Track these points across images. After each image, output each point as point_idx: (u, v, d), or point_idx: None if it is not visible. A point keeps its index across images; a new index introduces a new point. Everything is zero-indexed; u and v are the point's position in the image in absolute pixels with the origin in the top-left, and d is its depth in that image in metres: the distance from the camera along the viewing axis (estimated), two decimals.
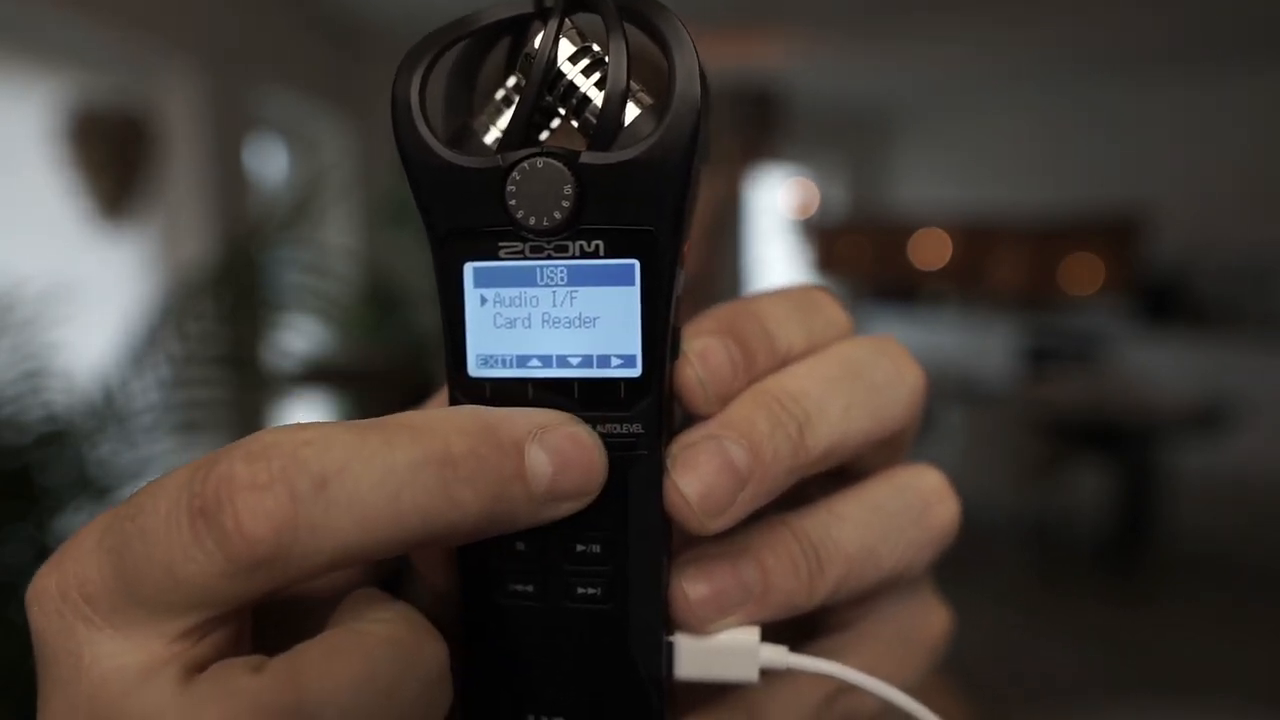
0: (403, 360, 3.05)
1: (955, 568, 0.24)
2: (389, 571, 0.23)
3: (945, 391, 3.94)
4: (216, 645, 0.18)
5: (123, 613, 0.17)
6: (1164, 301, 4.92)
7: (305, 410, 3.01)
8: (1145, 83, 4.91)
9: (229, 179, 2.65)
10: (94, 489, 1.33)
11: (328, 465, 0.16)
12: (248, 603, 0.17)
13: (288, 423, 0.18)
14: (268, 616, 0.20)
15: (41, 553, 1.23)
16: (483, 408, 0.19)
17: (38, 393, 1.34)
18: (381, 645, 0.17)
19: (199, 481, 0.16)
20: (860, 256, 5.65)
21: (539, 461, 0.18)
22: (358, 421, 0.18)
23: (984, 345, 5.39)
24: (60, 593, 0.17)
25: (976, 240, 5.22)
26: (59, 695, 0.17)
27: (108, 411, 1.40)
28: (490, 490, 0.18)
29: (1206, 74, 4.70)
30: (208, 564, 0.16)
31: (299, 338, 2.02)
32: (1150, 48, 4.25)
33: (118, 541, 0.17)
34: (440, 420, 0.18)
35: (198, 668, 0.17)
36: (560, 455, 0.18)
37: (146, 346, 1.47)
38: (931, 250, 5.39)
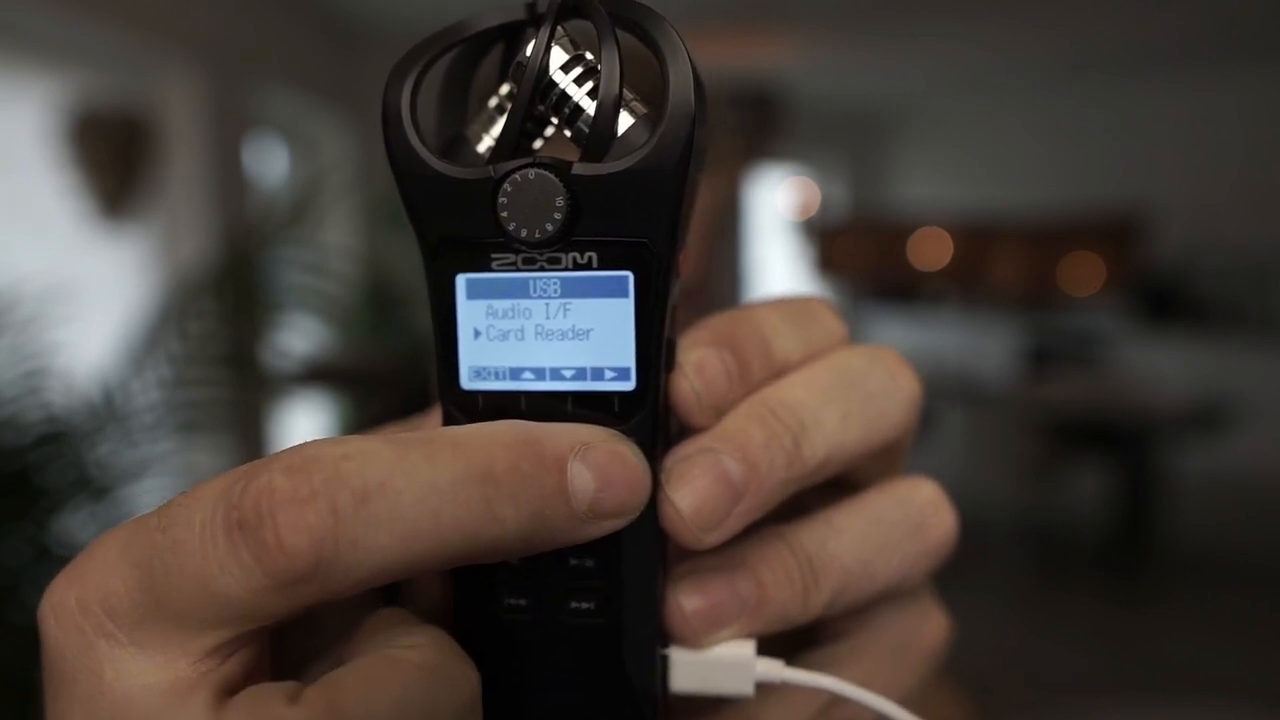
0: (403, 360, 3.05)
1: (955, 568, 0.24)
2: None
3: (945, 391, 3.92)
4: (244, 664, 0.17)
5: (148, 628, 0.16)
6: (1164, 301, 4.91)
7: (306, 410, 3.01)
8: (1145, 83, 4.90)
9: (229, 179, 2.64)
10: (93, 489, 1.33)
11: (369, 480, 0.16)
12: (281, 619, 0.17)
13: (326, 436, 0.17)
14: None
15: (41, 553, 1.23)
16: (525, 422, 0.18)
17: (38, 393, 1.34)
18: (417, 673, 0.17)
19: (237, 494, 0.16)
20: (860, 256, 5.63)
21: (582, 479, 0.18)
22: (398, 435, 0.17)
23: (984, 345, 5.38)
24: (81, 606, 0.16)
25: (976, 240, 5.20)
26: (77, 714, 0.16)
27: (107, 411, 1.40)
28: (532, 507, 0.17)
29: (1206, 74, 4.69)
30: (245, 578, 0.16)
31: (299, 338, 2.02)
32: (1150, 48, 4.24)
33: (146, 555, 0.16)
34: (482, 435, 0.17)
35: (228, 690, 0.17)
36: (603, 473, 0.18)
37: (146, 346, 1.46)
38: (931, 250, 5.38)
